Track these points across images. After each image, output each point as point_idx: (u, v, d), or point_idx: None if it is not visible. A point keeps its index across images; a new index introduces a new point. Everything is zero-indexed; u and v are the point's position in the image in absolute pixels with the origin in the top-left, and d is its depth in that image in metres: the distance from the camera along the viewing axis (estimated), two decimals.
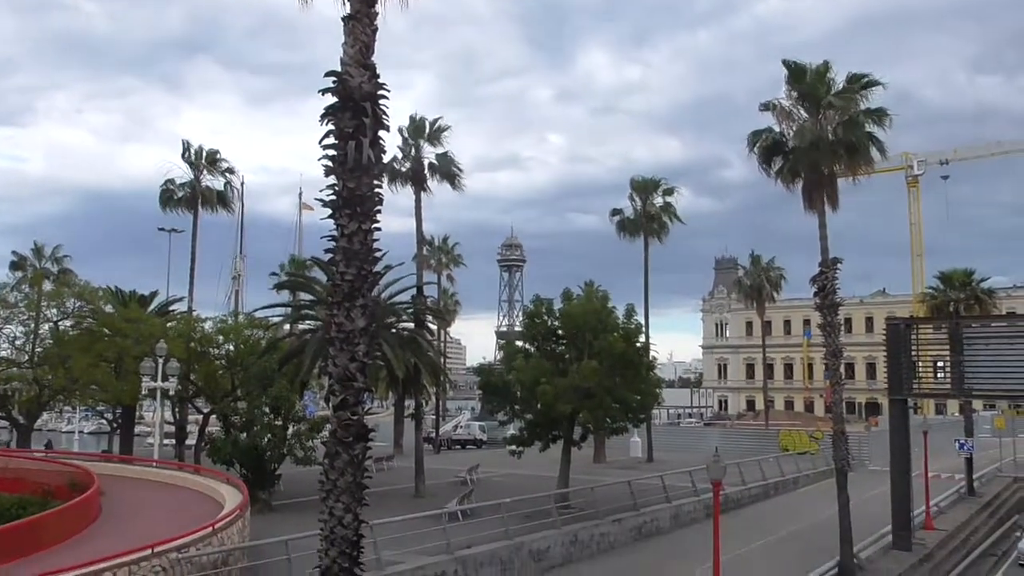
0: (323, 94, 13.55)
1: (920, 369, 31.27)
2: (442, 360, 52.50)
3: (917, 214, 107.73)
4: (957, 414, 61.90)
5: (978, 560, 32.75)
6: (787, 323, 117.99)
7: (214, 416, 38.83)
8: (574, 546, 26.40)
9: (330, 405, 13.63)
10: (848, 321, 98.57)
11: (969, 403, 47.02)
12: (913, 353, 30.90)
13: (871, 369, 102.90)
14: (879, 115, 26.05)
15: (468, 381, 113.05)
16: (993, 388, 32.06)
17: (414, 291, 38.61)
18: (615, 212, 53.05)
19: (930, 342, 31.42)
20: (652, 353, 37.32)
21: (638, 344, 32.94)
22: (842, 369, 27.86)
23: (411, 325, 38.06)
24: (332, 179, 13.55)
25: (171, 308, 45.55)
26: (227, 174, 48.94)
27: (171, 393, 35.37)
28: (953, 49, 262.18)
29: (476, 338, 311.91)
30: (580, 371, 29.55)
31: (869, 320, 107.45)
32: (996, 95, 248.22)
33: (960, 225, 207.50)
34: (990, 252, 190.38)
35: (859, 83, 25.95)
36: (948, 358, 30.14)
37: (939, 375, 31.55)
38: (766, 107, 26.76)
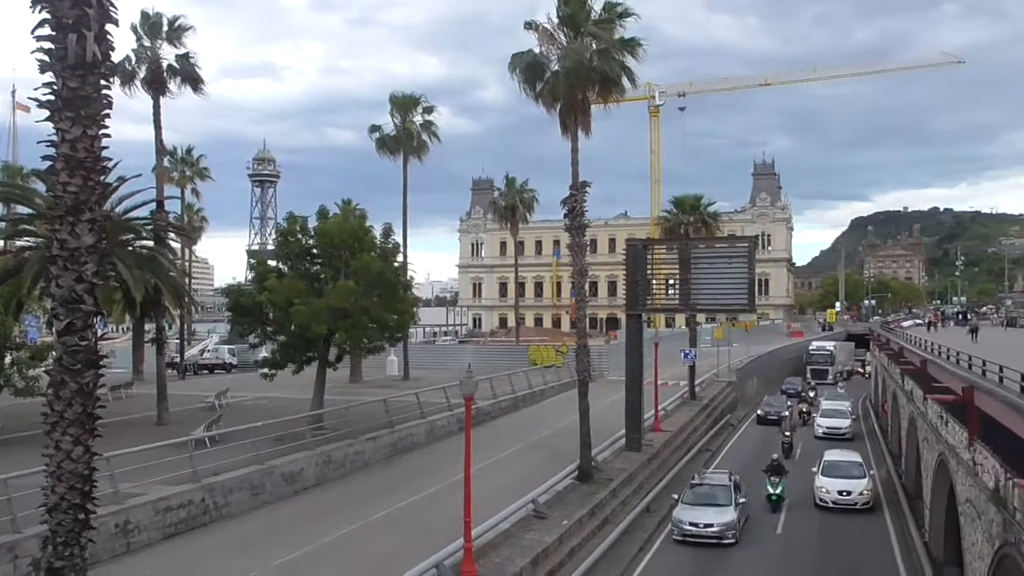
0: None
1: (654, 286, 34.06)
2: (187, 280, 49.31)
3: (657, 142, 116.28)
4: (684, 327, 68.32)
5: (696, 456, 36.87)
6: (538, 243, 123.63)
7: None
8: (328, 466, 26.40)
9: (54, 330, 12.30)
10: (594, 242, 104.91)
11: (693, 316, 52.15)
12: (649, 271, 33.63)
13: (612, 287, 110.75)
14: (632, 45, 27.35)
15: (217, 303, 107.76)
16: (714, 303, 35.64)
17: (154, 206, 35.75)
18: (374, 128, 51.90)
19: (663, 261, 34.30)
20: (410, 272, 37.72)
21: (395, 263, 32.97)
22: (587, 287, 29.60)
23: (151, 243, 35.38)
24: (49, 76, 11.89)
25: None
26: None
27: None
28: None
29: (226, 257, 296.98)
30: (336, 291, 29.07)
31: (612, 241, 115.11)
32: (728, 33, 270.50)
33: (694, 154, 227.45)
34: (717, 180, 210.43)
35: (615, 12, 27.00)
36: (678, 276, 33.06)
37: (670, 291, 34.48)
38: (530, 26, 27.22)
